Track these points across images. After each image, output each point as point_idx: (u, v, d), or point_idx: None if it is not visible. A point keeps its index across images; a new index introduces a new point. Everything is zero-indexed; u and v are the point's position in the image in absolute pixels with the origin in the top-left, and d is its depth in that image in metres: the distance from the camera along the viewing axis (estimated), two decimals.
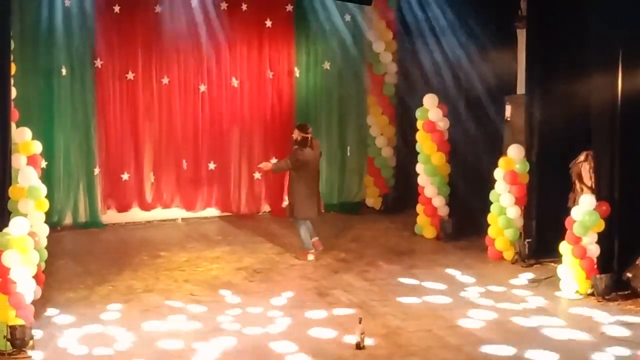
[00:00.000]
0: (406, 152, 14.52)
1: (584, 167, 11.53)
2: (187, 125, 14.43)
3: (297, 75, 14.91)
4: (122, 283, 11.32)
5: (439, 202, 13.50)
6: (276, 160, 13.75)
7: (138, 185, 14.30)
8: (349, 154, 15.16)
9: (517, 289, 11.11)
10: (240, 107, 14.68)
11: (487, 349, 9.21)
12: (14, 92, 11.53)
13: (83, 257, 12.47)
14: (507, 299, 10.72)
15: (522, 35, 12.58)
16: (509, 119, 12.80)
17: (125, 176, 14.18)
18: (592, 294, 10.71)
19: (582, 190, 11.45)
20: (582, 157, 11.58)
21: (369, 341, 9.18)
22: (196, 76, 14.40)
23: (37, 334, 9.29)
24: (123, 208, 14.28)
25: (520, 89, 12.75)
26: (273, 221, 14.56)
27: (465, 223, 13.27)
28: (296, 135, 12.18)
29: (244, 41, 14.55)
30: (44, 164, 12.33)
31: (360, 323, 9.15)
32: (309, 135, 12.18)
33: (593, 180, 11.35)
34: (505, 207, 12.31)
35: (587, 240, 10.78)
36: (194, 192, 14.60)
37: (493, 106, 13.06)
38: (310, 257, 12.26)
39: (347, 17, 14.87)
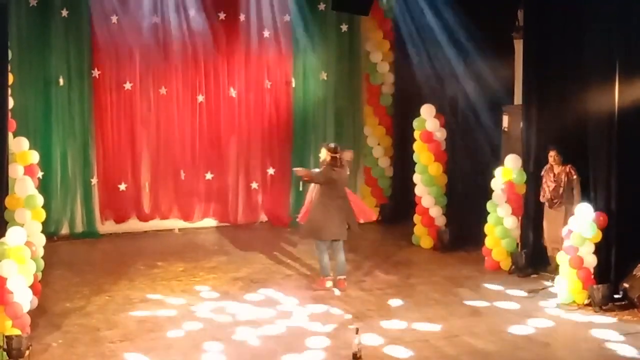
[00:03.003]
0: (403, 162, 14.53)
1: (542, 180, 11.75)
2: (184, 136, 14.45)
3: (295, 85, 14.93)
4: (118, 293, 11.30)
5: (436, 212, 13.51)
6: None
7: (135, 196, 14.31)
8: None
9: (513, 300, 11.09)
10: (238, 117, 14.71)
11: (484, 359, 9.20)
12: (11, 102, 11.53)
13: (80, 267, 12.45)
14: (504, 310, 10.70)
15: (519, 46, 12.60)
16: (506, 129, 12.82)
17: (122, 186, 14.18)
18: (589, 305, 10.69)
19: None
20: (543, 171, 11.76)
21: (366, 351, 9.15)
22: (194, 86, 14.43)
23: (34, 344, 9.26)
24: (121, 219, 14.29)
25: (518, 99, 12.76)
26: (270, 231, 14.57)
27: (463, 233, 13.27)
28: (324, 155, 11.44)
29: (241, 51, 14.59)
30: (40, 174, 12.32)
31: (357, 333, 9.13)
32: (338, 155, 11.41)
33: (549, 191, 11.63)
34: (502, 218, 12.32)
35: (584, 250, 10.78)
36: (191, 203, 14.60)
37: (490, 116, 13.07)
38: (329, 283, 11.47)
39: (344, 28, 14.91)
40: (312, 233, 11.53)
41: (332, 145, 11.59)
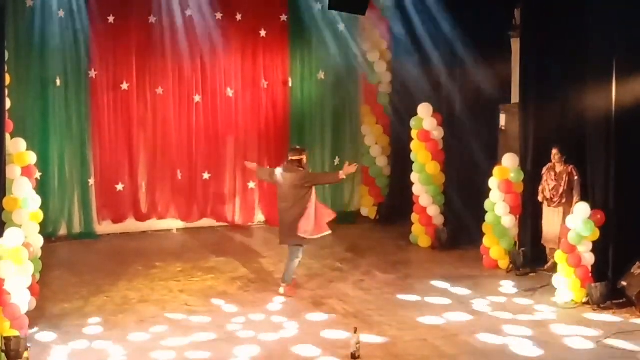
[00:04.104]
0: (401, 162, 14.53)
1: (543, 178, 11.78)
2: (181, 136, 14.45)
3: (292, 85, 14.93)
4: (117, 294, 11.29)
5: (434, 211, 13.51)
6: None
7: (133, 196, 14.31)
8: (336, 163, 15.16)
9: (512, 298, 11.09)
10: (235, 117, 14.70)
11: (483, 358, 9.20)
12: (8, 103, 11.52)
13: (78, 267, 12.44)
14: (502, 308, 10.70)
15: (516, 45, 12.61)
16: (503, 128, 12.83)
17: (119, 187, 14.17)
18: (587, 303, 10.70)
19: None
20: (544, 170, 11.77)
21: (364, 351, 9.15)
22: (191, 86, 14.42)
23: (32, 345, 9.25)
24: (118, 219, 14.28)
25: (515, 97, 12.76)
26: (268, 231, 14.56)
27: (460, 232, 13.28)
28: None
29: (238, 51, 14.59)
30: (38, 174, 12.30)
31: (355, 333, 9.13)
32: (290, 157, 11.17)
33: (549, 189, 11.68)
34: (500, 216, 12.32)
35: (582, 248, 10.78)
36: (188, 203, 14.59)
37: (488, 115, 13.07)
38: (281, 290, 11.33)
39: (341, 27, 14.89)
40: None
41: (293, 147, 11.59)
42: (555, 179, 11.64)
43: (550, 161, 11.72)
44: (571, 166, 11.53)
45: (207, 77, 14.50)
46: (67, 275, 12.06)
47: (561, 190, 11.59)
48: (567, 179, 11.57)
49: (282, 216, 11.21)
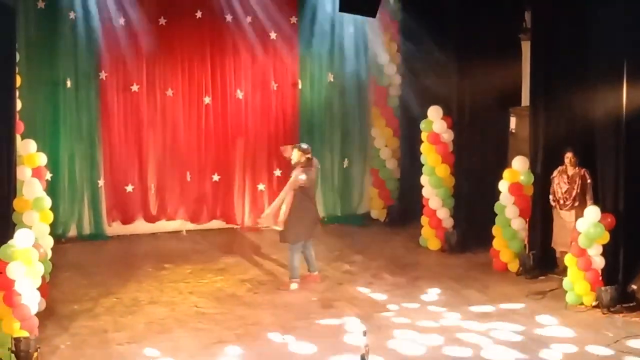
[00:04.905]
0: (411, 164, 14.52)
1: (554, 182, 11.72)
2: (191, 137, 14.45)
3: (301, 87, 14.93)
4: (126, 295, 11.31)
5: (444, 214, 13.49)
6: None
7: (142, 197, 14.32)
8: (345, 165, 15.16)
9: (521, 302, 11.07)
10: (244, 119, 14.70)
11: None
12: (18, 105, 11.56)
13: (88, 269, 12.47)
14: (511, 312, 10.69)
15: (526, 47, 12.60)
16: (513, 131, 12.82)
17: (129, 188, 14.19)
18: (597, 306, 10.67)
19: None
20: (555, 173, 11.71)
21: (373, 354, 9.14)
22: (200, 88, 14.42)
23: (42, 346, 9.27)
24: (127, 220, 14.29)
25: (525, 100, 12.75)
26: (277, 232, 14.52)
27: (470, 235, 13.25)
28: (297, 157, 11.56)
29: (248, 53, 14.57)
30: (48, 176, 12.34)
31: (364, 336, 9.12)
32: (307, 156, 11.56)
33: (561, 192, 11.63)
34: (509, 219, 12.30)
35: (592, 252, 10.76)
36: (198, 204, 14.60)
37: (498, 118, 13.05)
38: (294, 286, 11.59)
39: (351, 29, 14.88)
40: (296, 236, 11.67)
41: (304, 146, 11.77)
42: (567, 182, 11.60)
43: (562, 164, 11.70)
44: (583, 169, 11.50)
45: (217, 79, 14.50)
46: (76, 276, 12.09)
47: (574, 193, 11.55)
48: (579, 182, 11.54)
49: (308, 216, 11.68)
